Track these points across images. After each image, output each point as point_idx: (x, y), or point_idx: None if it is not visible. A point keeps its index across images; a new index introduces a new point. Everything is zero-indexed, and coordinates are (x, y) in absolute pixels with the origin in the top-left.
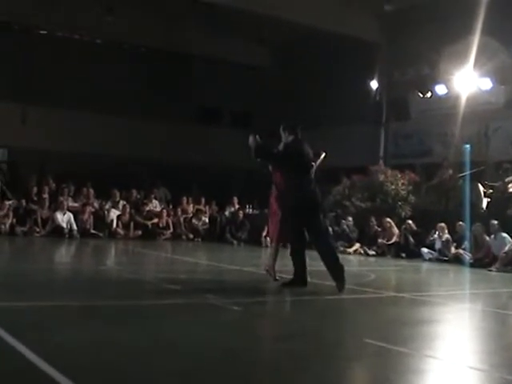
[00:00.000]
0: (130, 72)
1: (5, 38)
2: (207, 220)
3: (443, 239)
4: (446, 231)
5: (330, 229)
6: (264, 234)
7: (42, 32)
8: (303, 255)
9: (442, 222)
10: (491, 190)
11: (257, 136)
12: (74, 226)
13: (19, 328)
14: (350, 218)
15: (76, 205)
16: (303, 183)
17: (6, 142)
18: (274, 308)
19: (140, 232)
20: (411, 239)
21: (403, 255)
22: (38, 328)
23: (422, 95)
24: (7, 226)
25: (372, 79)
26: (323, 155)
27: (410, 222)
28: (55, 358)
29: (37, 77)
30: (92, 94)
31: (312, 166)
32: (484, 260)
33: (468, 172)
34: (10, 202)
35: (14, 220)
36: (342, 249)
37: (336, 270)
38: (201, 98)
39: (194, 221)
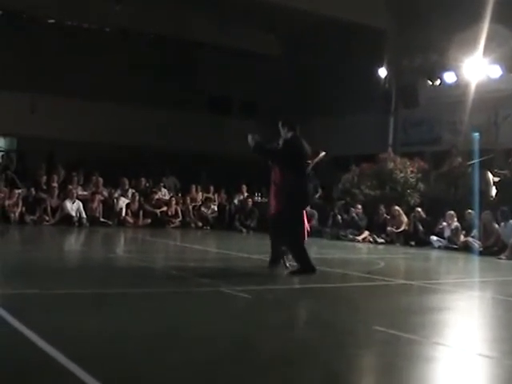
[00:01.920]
0: (139, 61)
1: (13, 27)
2: (216, 208)
3: (452, 227)
4: (455, 219)
5: (339, 217)
6: None
7: (50, 21)
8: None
9: (451, 209)
10: (499, 178)
11: (255, 135)
12: (84, 215)
13: (30, 316)
14: (360, 206)
15: (85, 193)
16: (299, 181)
17: (15, 131)
18: (283, 296)
19: (149, 220)
20: (420, 227)
21: (412, 243)
22: (49, 316)
23: (431, 83)
24: (17, 214)
25: (381, 67)
26: (323, 154)
27: (419, 209)
28: (65, 346)
29: (45, 66)
30: (101, 83)
31: (308, 164)
32: (493, 248)
33: (477, 160)
34: (20, 191)
35: (24, 209)
36: (351, 237)
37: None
38: (211, 87)
39: (202, 209)
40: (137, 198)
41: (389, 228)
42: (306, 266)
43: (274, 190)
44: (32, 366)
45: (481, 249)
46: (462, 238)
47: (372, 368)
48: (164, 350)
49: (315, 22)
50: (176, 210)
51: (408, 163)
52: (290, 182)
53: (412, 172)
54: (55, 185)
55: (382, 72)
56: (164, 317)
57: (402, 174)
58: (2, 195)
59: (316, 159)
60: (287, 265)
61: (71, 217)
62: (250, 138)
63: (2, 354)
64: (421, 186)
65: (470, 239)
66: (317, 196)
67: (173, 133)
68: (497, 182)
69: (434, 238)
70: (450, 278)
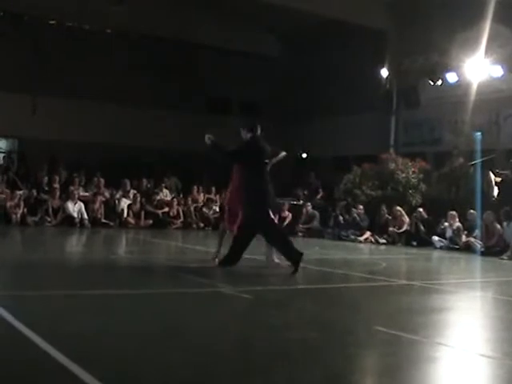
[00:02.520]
0: (140, 62)
1: (14, 28)
2: (218, 209)
3: (454, 227)
4: (457, 219)
5: (341, 217)
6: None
7: (51, 22)
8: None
9: (452, 210)
10: (501, 178)
11: (211, 135)
12: (85, 216)
13: (32, 317)
14: (361, 207)
15: (87, 194)
16: (257, 180)
17: (16, 133)
18: (285, 296)
19: (151, 221)
20: (422, 227)
21: (414, 243)
22: (51, 317)
23: (432, 83)
24: (18, 215)
25: (382, 67)
26: (283, 154)
27: (421, 210)
28: (66, 347)
29: (46, 67)
30: (102, 84)
31: (267, 163)
32: (495, 248)
33: (479, 160)
34: (21, 192)
35: (26, 210)
36: (352, 237)
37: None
38: (211, 88)
39: (204, 210)
40: (138, 198)
41: (390, 228)
42: (291, 255)
43: (231, 188)
44: (33, 366)
45: (483, 249)
46: (463, 238)
47: (373, 368)
48: (165, 350)
49: (316, 23)
50: (178, 211)
51: (410, 164)
52: (248, 182)
53: (414, 172)
54: (57, 186)
55: (384, 72)
56: (165, 317)
57: (403, 175)
58: (4, 196)
59: (275, 159)
60: (276, 260)
61: (73, 218)
62: (206, 137)
63: (3, 354)
64: (422, 186)
65: (471, 239)
66: (318, 197)
67: (173, 134)
68: (498, 183)
69: (435, 238)
70: (451, 279)
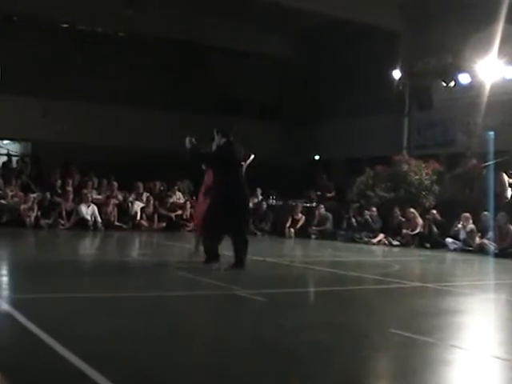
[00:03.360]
0: (152, 64)
1: (26, 31)
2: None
3: (467, 229)
4: (471, 221)
5: (353, 219)
6: (288, 224)
7: (63, 25)
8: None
9: (466, 211)
10: None
11: (193, 139)
12: (99, 218)
13: (46, 319)
14: (374, 209)
15: (100, 197)
16: (231, 183)
17: (29, 136)
18: (298, 298)
19: (164, 224)
20: (435, 229)
21: (427, 245)
22: (65, 319)
23: (445, 84)
24: (32, 218)
25: (395, 69)
26: (252, 157)
27: (435, 211)
28: (82, 350)
29: (58, 70)
30: (115, 87)
31: (241, 166)
32: (509, 250)
33: (492, 161)
34: (35, 195)
35: (39, 213)
36: (366, 239)
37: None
38: (224, 90)
39: None
40: (151, 201)
41: (404, 230)
42: (239, 261)
43: (204, 189)
44: (47, 368)
45: (496, 251)
46: (477, 240)
47: (388, 371)
48: (178, 352)
49: (329, 24)
50: (191, 214)
51: (423, 165)
52: (222, 184)
53: (427, 174)
54: (70, 189)
55: (396, 74)
56: (179, 319)
57: (416, 177)
58: (18, 199)
59: (247, 162)
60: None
61: (86, 221)
62: (187, 140)
63: (18, 356)
64: (436, 188)
65: (485, 241)
66: (329, 195)
67: (185, 136)
68: None
69: (449, 240)
70: (465, 281)
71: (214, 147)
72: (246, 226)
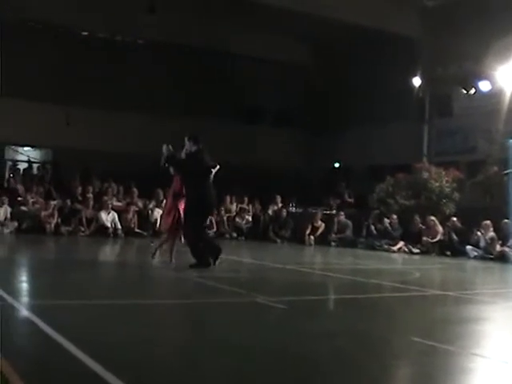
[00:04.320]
0: (173, 72)
1: (47, 40)
2: (250, 218)
3: (488, 237)
4: (491, 229)
5: (373, 227)
6: (308, 232)
7: (84, 33)
8: (203, 242)
9: (486, 219)
10: None
11: (169, 146)
12: (119, 226)
13: (66, 325)
14: (395, 216)
15: (120, 204)
16: (200, 187)
17: (50, 143)
18: (319, 306)
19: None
20: (456, 237)
21: (448, 253)
22: (85, 326)
23: (465, 91)
24: (52, 225)
25: (415, 76)
26: (217, 168)
27: (455, 219)
28: (103, 356)
29: (80, 78)
30: (135, 94)
31: (211, 172)
32: None
33: None
34: (55, 202)
35: (59, 220)
36: (386, 247)
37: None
38: (244, 97)
39: (237, 219)
40: None
41: (424, 238)
42: (201, 261)
43: (172, 193)
44: (68, 374)
45: None
46: (497, 247)
47: (409, 379)
48: (199, 359)
49: (348, 32)
50: (211, 221)
51: (443, 173)
52: (191, 191)
53: (447, 181)
54: (90, 196)
55: (416, 81)
56: (200, 327)
57: (437, 184)
58: (38, 206)
59: (214, 170)
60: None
61: (106, 228)
62: (164, 147)
63: (39, 363)
64: (456, 195)
65: (506, 249)
66: (346, 199)
67: (206, 143)
68: None
69: (469, 247)
70: (486, 288)
71: (183, 154)
72: (204, 231)
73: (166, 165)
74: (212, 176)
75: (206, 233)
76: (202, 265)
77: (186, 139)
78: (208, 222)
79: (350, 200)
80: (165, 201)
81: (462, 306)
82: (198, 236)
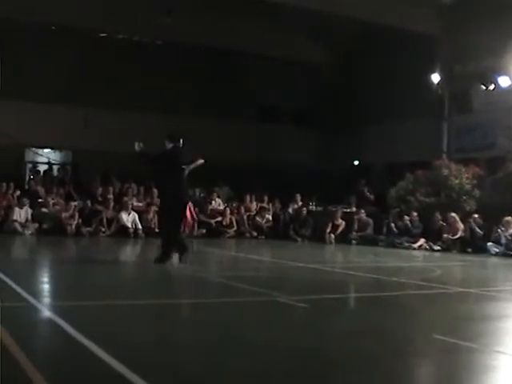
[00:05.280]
0: (191, 72)
1: (66, 42)
2: (271, 217)
3: (509, 234)
4: None
5: (393, 225)
6: (328, 230)
7: (102, 35)
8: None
9: (507, 216)
10: None
11: (140, 143)
12: (139, 226)
13: (88, 326)
14: (415, 214)
15: (140, 204)
16: (171, 183)
17: (69, 144)
18: (340, 305)
19: (204, 230)
20: (477, 234)
21: (469, 250)
22: (107, 326)
23: (484, 87)
24: (73, 226)
25: (434, 72)
26: (201, 161)
27: (476, 216)
28: (125, 356)
29: (98, 80)
30: (153, 95)
31: (183, 169)
32: None
33: None
34: (76, 203)
35: (80, 221)
36: (406, 244)
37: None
38: (261, 97)
39: (257, 218)
40: (191, 208)
41: (445, 235)
42: (166, 254)
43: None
44: (91, 374)
45: None
46: None
47: (432, 377)
48: (222, 358)
49: (366, 29)
50: (231, 220)
51: (463, 169)
52: (162, 187)
53: (467, 178)
54: (111, 197)
55: (435, 78)
56: (222, 326)
57: (457, 181)
58: (59, 208)
59: (193, 165)
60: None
61: (127, 228)
62: (136, 145)
63: (63, 365)
64: (476, 192)
65: None
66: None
67: (226, 143)
68: None
69: (490, 244)
70: (508, 286)
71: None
72: (178, 228)
73: (141, 161)
74: (186, 173)
75: (178, 230)
76: (165, 259)
77: (165, 138)
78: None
79: (370, 197)
80: None
81: (484, 303)
82: (170, 231)
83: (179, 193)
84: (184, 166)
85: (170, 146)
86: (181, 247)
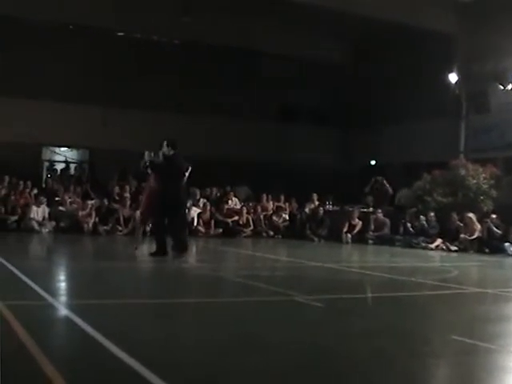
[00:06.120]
0: (208, 72)
1: (84, 41)
2: (287, 217)
3: None
4: None
5: (409, 225)
6: (344, 230)
7: (119, 34)
8: (165, 234)
9: None
10: None
11: (151, 153)
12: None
13: (105, 324)
14: (432, 214)
15: None
16: (171, 188)
17: (87, 143)
18: (357, 304)
19: (221, 230)
20: (494, 234)
21: (486, 250)
22: (124, 325)
23: (502, 87)
24: (90, 225)
25: (451, 72)
26: (189, 170)
27: (494, 216)
28: (140, 354)
29: (116, 79)
30: (170, 95)
31: (184, 175)
32: None
33: None
34: (93, 202)
35: (97, 219)
36: (423, 245)
37: (180, 244)
38: (279, 96)
39: (274, 218)
40: (208, 207)
41: (462, 235)
42: (161, 250)
43: (148, 191)
44: (107, 371)
45: None
46: None
47: (450, 378)
48: (238, 357)
49: (384, 29)
50: (247, 220)
51: (480, 169)
52: (163, 190)
53: (484, 178)
54: (127, 195)
55: (453, 77)
56: (238, 325)
57: (474, 181)
58: (76, 206)
59: (187, 173)
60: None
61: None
62: (146, 154)
63: (78, 361)
64: (494, 192)
65: None
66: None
67: (243, 143)
68: None
69: (507, 245)
70: None
71: (160, 156)
72: (183, 227)
73: (147, 168)
74: (186, 177)
75: (177, 228)
76: (160, 253)
77: (164, 144)
78: (190, 219)
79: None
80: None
81: (501, 303)
82: (165, 228)
83: (181, 195)
84: (186, 173)
85: (171, 152)
86: (183, 245)
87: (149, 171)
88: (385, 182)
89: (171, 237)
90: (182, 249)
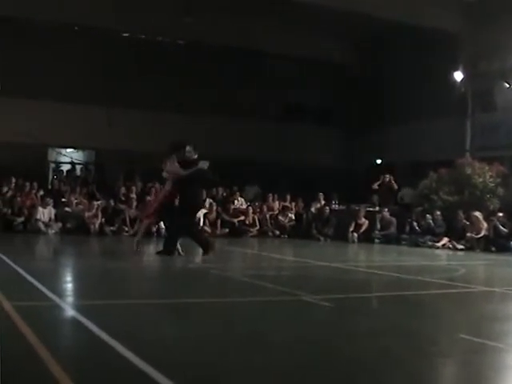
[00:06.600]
0: (213, 72)
1: (88, 42)
2: (293, 216)
3: None
4: None
5: (415, 223)
6: (351, 229)
7: (124, 35)
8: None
9: None
10: None
11: (206, 162)
12: (162, 225)
13: (112, 325)
14: (438, 212)
15: None
16: (194, 191)
17: (93, 144)
18: (364, 304)
19: (227, 230)
20: (501, 232)
21: (493, 249)
22: (130, 325)
23: (508, 85)
24: (96, 225)
25: (457, 70)
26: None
27: (501, 214)
28: (147, 354)
29: (120, 79)
30: (175, 95)
31: (214, 185)
32: None
33: None
34: (99, 203)
35: (103, 220)
36: (430, 243)
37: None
38: (285, 96)
39: (280, 217)
40: (214, 207)
41: (468, 234)
42: (168, 250)
43: (166, 191)
44: (114, 371)
45: None
46: None
47: (458, 377)
48: (245, 357)
49: (389, 28)
50: (253, 219)
51: (487, 168)
52: (186, 194)
53: (491, 177)
54: (133, 196)
55: (459, 75)
56: (245, 324)
57: (480, 179)
58: (82, 207)
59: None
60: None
61: (150, 227)
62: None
63: (86, 361)
64: (500, 190)
65: None
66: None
67: (248, 142)
68: None
69: None
70: None
71: (181, 158)
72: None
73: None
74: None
75: (197, 229)
76: (166, 253)
77: (188, 147)
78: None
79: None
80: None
81: (509, 302)
82: (183, 231)
83: (199, 198)
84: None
85: (195, 156)
86: (208, 244)
87: (164, 175)
88: (393, 180)
89: (193, 239)
90: (209, 247)
